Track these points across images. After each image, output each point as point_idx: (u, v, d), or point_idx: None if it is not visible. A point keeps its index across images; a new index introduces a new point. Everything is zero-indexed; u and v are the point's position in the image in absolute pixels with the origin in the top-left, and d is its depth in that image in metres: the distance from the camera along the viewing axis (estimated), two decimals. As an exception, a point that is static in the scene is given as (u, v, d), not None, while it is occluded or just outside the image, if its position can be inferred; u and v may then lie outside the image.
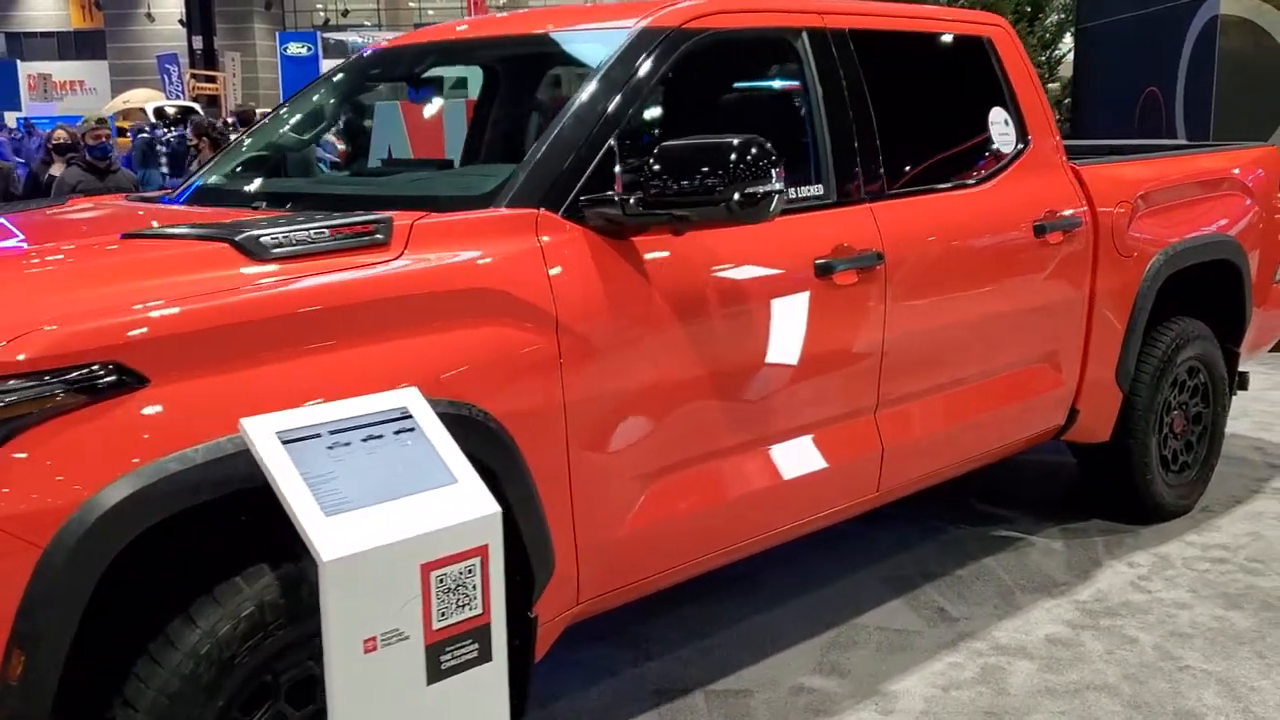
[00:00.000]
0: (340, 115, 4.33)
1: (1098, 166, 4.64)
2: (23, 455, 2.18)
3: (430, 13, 45.23)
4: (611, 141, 3.09)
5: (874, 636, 4.02)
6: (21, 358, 2.19)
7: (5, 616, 2.16)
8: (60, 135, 9.68)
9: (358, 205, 3.08)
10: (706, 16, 3.47)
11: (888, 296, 3.67)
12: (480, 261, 2.79)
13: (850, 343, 3.62)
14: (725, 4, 3.54)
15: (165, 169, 13.72)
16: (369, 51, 4.17)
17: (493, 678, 2.41)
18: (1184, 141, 7.78)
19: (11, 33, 50.00)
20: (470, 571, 2.33)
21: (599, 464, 3.01)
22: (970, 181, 4.13)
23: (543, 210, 2.98)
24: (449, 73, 4.85)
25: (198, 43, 35.64)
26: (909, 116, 4.02)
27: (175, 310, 2.36)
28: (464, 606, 2.33)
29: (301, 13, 47.32)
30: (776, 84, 3.87)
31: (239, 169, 4.01)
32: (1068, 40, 12.09)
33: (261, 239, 2.57)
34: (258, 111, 20.99)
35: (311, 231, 2.64)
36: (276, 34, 42.92)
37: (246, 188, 3.73)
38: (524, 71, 4.17)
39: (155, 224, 3.11)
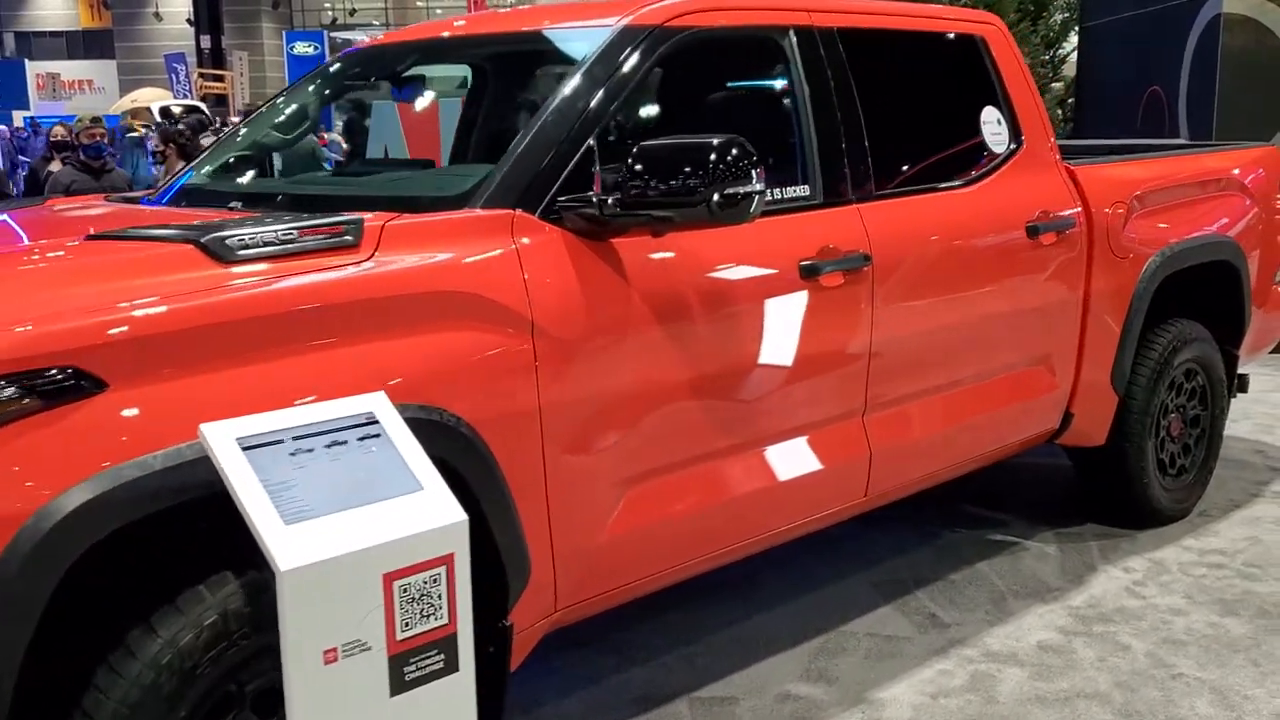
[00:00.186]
0: (322, 114, 4.27)
1: (1093, 166, 4.58)
2: (-24, 461, 2.14)
3: (439, 12, 45.20)
4: (591, 141, 3.04)
5: (863, 643, 3.96)
6: (-25, 362, 2.15)
7: (-43, 625, 2.12)
8: (59, 132, 9.64)
9: (334, 206, 3.03)
10: (690, 14, 3.42)
11: (875, 298, 3.61)
12: (452, 263, 2.75)
13: (836, 345, 3.57)
14: (709, 2, 3.49)
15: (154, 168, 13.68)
16: (351, 51, 4.13)
17: (460, 689, 2.36)
18: (1183, 141, 7.71)
19: (20, 32, 50.10)
20: (435, 581, 2.28)
21: (577, 469, 2.96)
22: (961, 182, 4.07)
23: (519, 211, 2.93)
24: (437, 72, 4.81)
25: (205, 42, 35.69)
26: (899, 116, 3.96)
27: (135, 313, 2.31)
28: (429, 616, 2.28)
29: (309, 12, 47.31)
30: (762, 83, 3.81)
31: (221, 169, 3.96)
32: (1073, 39, 11.99)
33: (227, 241, 2.53)
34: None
35: (279, 233, 2.59)
36: (283, 33, 42.92)
37: (226, 188, 3.68)
38: (506, 70, 4.12)
39: (128, 225, 3.06)
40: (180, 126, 9.65)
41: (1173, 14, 8.67)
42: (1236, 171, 5.24)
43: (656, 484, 3.20)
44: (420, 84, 4.03)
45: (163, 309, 2.34)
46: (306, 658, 2.13)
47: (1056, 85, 12.43)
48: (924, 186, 3.95)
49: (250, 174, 3.95)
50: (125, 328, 2.29)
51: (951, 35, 4.24)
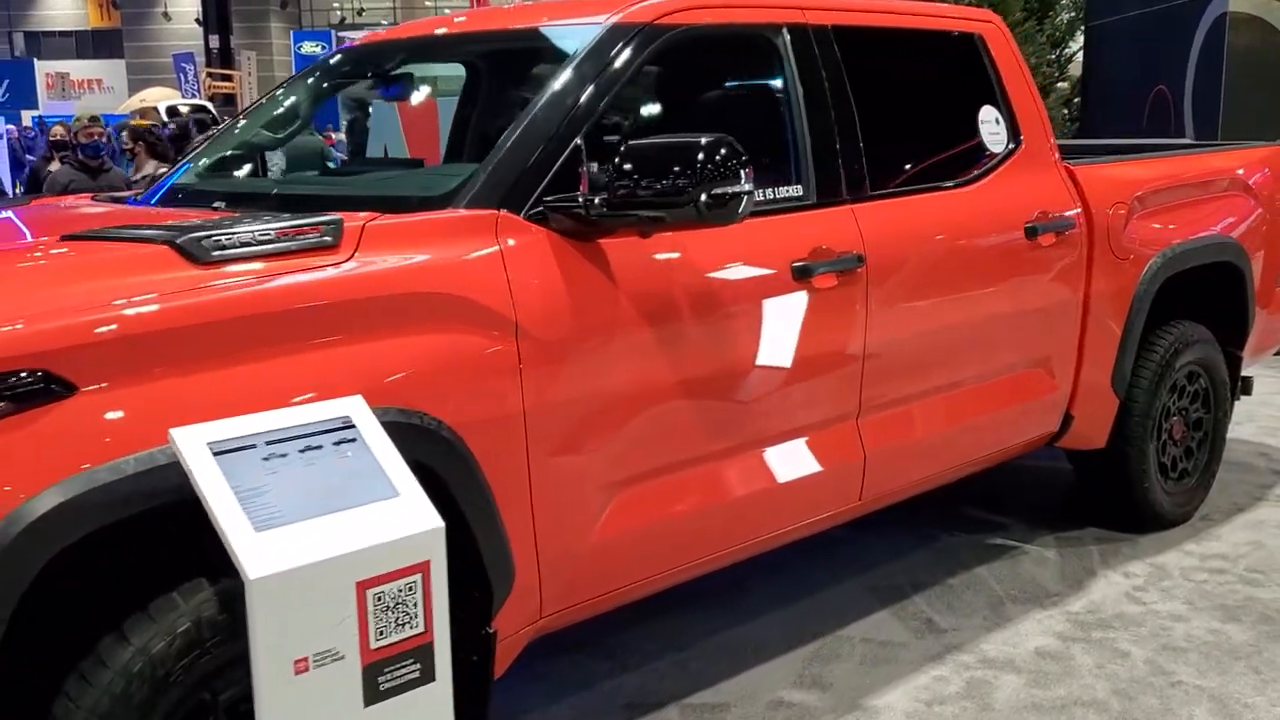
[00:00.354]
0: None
1: (1093, 166, 4.53)
2: (-57, 466, 2.10)
3: (446, 11, 45.24)
4: (578, 141, 2.98)
5: (858, 648, 3.91)
6: (-59, 365, 2.11)
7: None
8: (58, 132, 9.59)
9: (318, 206, 2.98)
10: (680, 12, 3.37)
11: (869, 300, 3.56)
12: (433, 264, 2.70)
13: (829, 347, 3.51)
14: (701, -1, 3.44)
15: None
16: (343, 49, 4.09)
17: (437, 698, 2.32)
18: (1187, 140, 7.64)
19: (30, 32, 50.22)
20: (411, 589, 2.24)
21: (562, 473, 2.92)
22: (958, 182, 4.02)
23: (503, 211, 2.88)
24: (438, 71, 4.78)
25: (214, 42, 35.69)
26: (895, 115, 3.91)
27: (106, 315, 2.27)
28: (404, 625, 2.24)
29: (318, 11, 47.39)
30: (754, 82, 3.76)
31: (212, 168, 3.92)
32: (1079, 38, 11.93)
33: (202, 242, 2.48)
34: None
35: (256, 234, 2.55)
36: (291, 33, 42.96)
37: (214, 187, 3.64)
38: (497, 68, 4.08)
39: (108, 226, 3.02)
40: (152, 126, 9.58)
41: (1178, 13, 8.60)
42: (1241, 171, 5.18)
43: (645, 488, 3.15)
44: (410, 83, 3.99)
45: (135, 311, 2.30)
46: (277, 667, 2.09)
47: (1062, 84, 12.37)
48: (920, 186, 3.90)
49: (239, 173, 3.91)
50: (96, 330, 2.25)
51: (949, 33, 4.19)
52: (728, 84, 3.81)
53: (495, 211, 2.87)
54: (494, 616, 2.81)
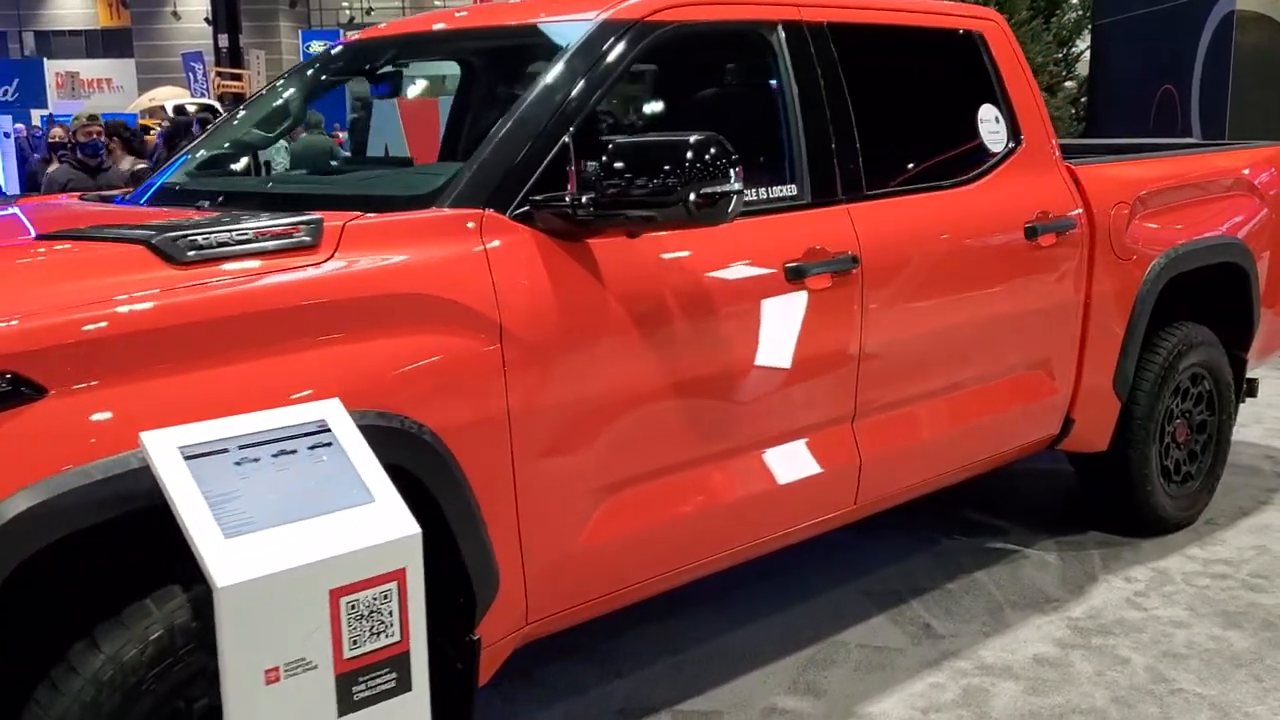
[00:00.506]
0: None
1: (1095, 166, 4.47)
2: (-90, 469, 2.06)
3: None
4: (566, 139, 2.93)
5: (854, 654, 3.86)
6: (-92, 367, 2.07)
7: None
8: (57, 134, 9.55)
9: (302, 205, 2.94)
10: (673, 9, 3.32)
11: (864, 301, 3.51)
12: (414, 265, 2.65)
13: (823, 349, 3.46)
14: (693, -5, 3.38)
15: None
16: (333, 46, 4.04)
17: (414, 709, 2.26)
18: (1191, 140, 7.58)
19: (40, 31, 50.33)
20: (386, 597, 2.19)
21: (548, 478, 2.87)
22: (957, 181, 3.95)
23: (488, 211, 2.83)
24: (438, 69, 4.74)
25: (223, 41, 35.72)
26: (892, 114, 3.86)
27: (77, 316, 2.22)
28: (379, 634, 2.19)
29: (326, 10, 47.44)
30: (748, 80, 3.71)
31: (202, 166, 3.88)
32: (1087, 37, 11.86)
33: (178, 241, 2.44)
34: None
35: (234, 233, 2.50)
36: (300, 32, 43.00)
37: (202, 186, 3.59)
38: (488, 66, 4.03)
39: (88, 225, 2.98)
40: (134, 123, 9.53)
41: (1185, 11, 8.53)
42: (1246, 171, 5.12)
43: (633, 493, 3.10)
44: (399, 81, 3.94)
45: (107, 312, 2.25)
46: (246, 677, 2.04)
47: (1070, 83, 12.28)
48: (917, 186, 3.84)
49: (228, 172, 3.86)
50: (67, 332, 2.20)
51: (948, 31, 4.13)
52: (721, 82, 3.76)
53: (480, 211, 2.82)
54: (478, 623, 2.76)
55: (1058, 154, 4.31)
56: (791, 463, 3.47)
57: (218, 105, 26.65)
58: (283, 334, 2.43)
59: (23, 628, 2.27)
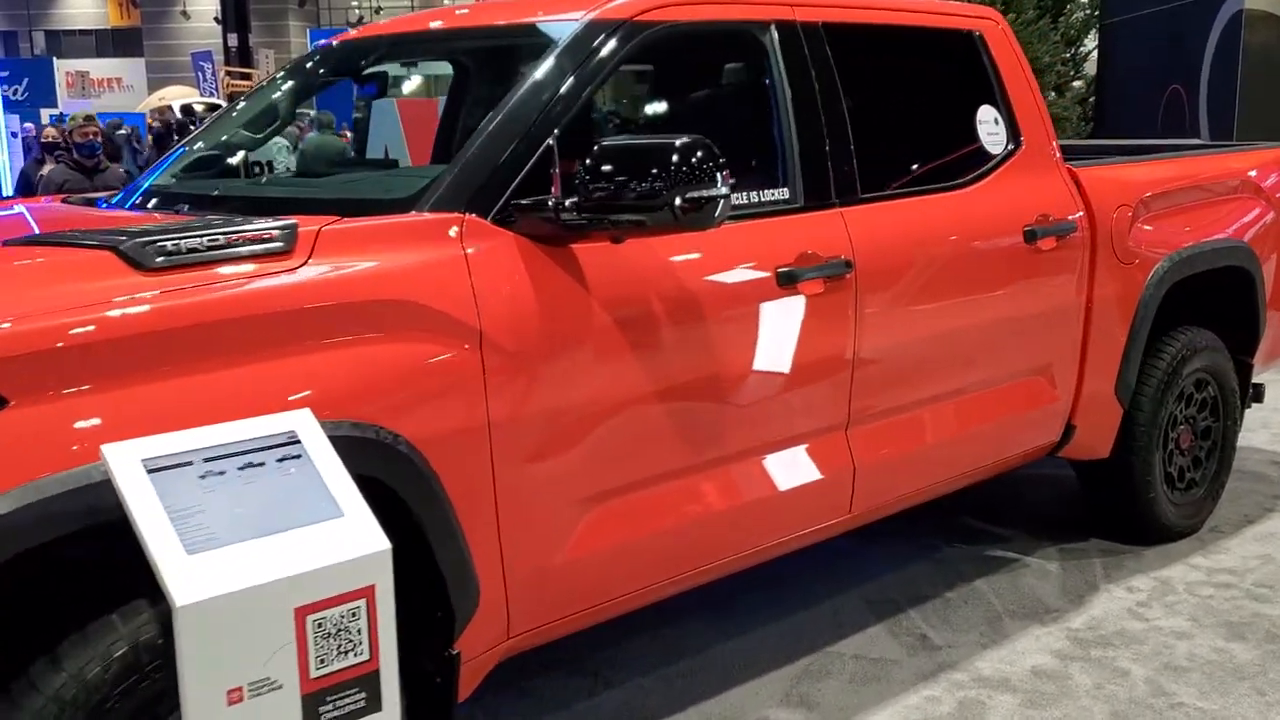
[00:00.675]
0: (295, 111, 4.13)
1: (1097, 168, 4.39)
2: None
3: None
4: (550, 141, 2.87)
5: (849, 665, 3.79)
6: None
7: None
8: (51, 134, 9.47)
9: (283, 208, 2.88)
10: (663, 8, 3.25)
11: (858, 307, 3.44)
12: (392, 270, 2.59)
13: (816, 356, 3.38)
14: (683, -5, 3.32)
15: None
16: (322, 46, 3.98)
17: (385, 728, 2.20)
18: (1196, 141, 7.48)
19: (50, 30, 50.42)
20: (354, 615, 2.13)
21: (531, 489, 2.80)
22: (954, 184, 3.88)
23: (469, 215, 2.77)
24: (429, 69, 4.68)
25: (233, 40, 35.71)
26: (888, 115, 3.79)
27: (41, 325, 2.16)
28: (348, 653, 2.12)
29: (336, 10, 47.41)
30: (740, 81, 3.64)
31: (189, 169, 3.82)
32: (1094, 37, 11.77)
33: (147, 247, 2.38)
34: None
35: (205, 239, 2.44)
36: (309, 31, 43.01)
37: (185, 189, 3.54)
38: (475, 66, 3.97)
39: (63, 229, 2.92)
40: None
41: (1193, 10, 8.44)
42: (1253, 173, 5.03)
43: (620, 503, 3.04)
44: (386, 81, 3.88)
45: (72, 320, 2.19)
46: (207, 698, 1.98)
47: (1078, 83, 12.19)
48: (913, 189, 3.77)
49: (214, 174, 3.80)
50: (29, 340, 2.14)
51: (946, 30, 4.05)
52: (712, 83, 3.69)
53: (460, 215, 2.76)
54: (457, 637, 2.70)
55: (1058, 156, 4.23)
56: (783, 471, 3.40)
57: (225, 105, 26.59)
58: (254, 342, 2.36)
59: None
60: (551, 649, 3.31)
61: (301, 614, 2.06)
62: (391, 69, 3.92)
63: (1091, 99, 11.78)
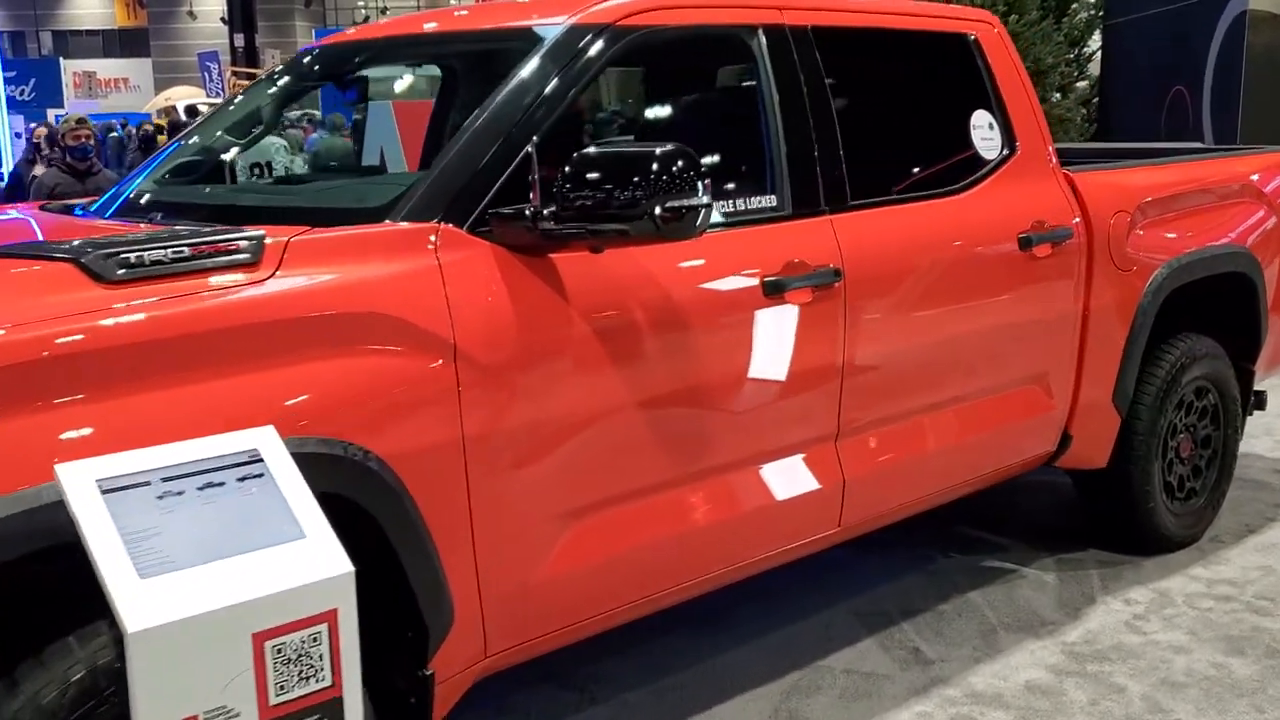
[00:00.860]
0: (279, 116, 4.07)
1: (1094, 173, 4.32)
2: None
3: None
4: (530, 149, 2.80)
5: (839, 680, 3.72)
6: None
7: None
8: (42, 133, 9.38)
9: (256, 218, 2.81)
10: (646, 12, 3.19)
11: (847, 316, 3.37)
12: (363, 282, 2.52)
13: (804, 366, 3.32)
14: (668, -1, 3.25)
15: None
16: (304, 50, 3.92)
17: (348, 755, 2.14)
18: (1196, 145, 7.40)
19: (58, 31, 50.50)
20: (315, 640, 2.06)
21: (508, 504, 2.74)
22: (947, 190, 3.81)
23: (444, 225, 2.71)
24: (423, 73, 4.61)
25: (239, 40, 35.71)
26: (880, 121, 3.73)
27: (-6, 340, 2.11)
28: (309, 679, 2.06)
29: (342, 10, 47.41)
30: (727, 86, 3.57)
31: (168, 175, 3.76)
32: (1099, 38, 11.68)
33: (109, 259, 2.31)
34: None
35: (169, 251, 2.38)
36: (314, 31, 43.02)
37: (162, 197, 3.48)
38: (457, 72, 3.91)
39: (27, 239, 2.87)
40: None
41: (1197, 11, 8.36)
42: (1254, 177, 4.96)
43: (603, 517, 2.97)
44: (367, 85, 3.82)
45: (27, 335, 2.13)
46: (161, 728, 1.92)
47: (1082, 84, 12.09)
48: (905, 196, 3.70)
49: (192, 181, 3.74)
50: (-17, 357, 2.09)
51: (939, 34, 3.98)
52: (697, 88, 3.63)
53: (435, 224, 2.70)
54: (431, 657, 2.64)
55: (1055, 161, 4.16)
56: (770, 484, 3.33)
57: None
58: (217, 357, 2.30)
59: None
60: (536, 663, 3.24)
61: (260, 639, 2.00)
62: (377, 73, 3.85)
63: (1095, 100, 11.70)
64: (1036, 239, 3.93)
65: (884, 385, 3.57)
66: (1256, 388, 5.09)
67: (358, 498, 2.42)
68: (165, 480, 2.08)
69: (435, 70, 4.06)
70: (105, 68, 47.01)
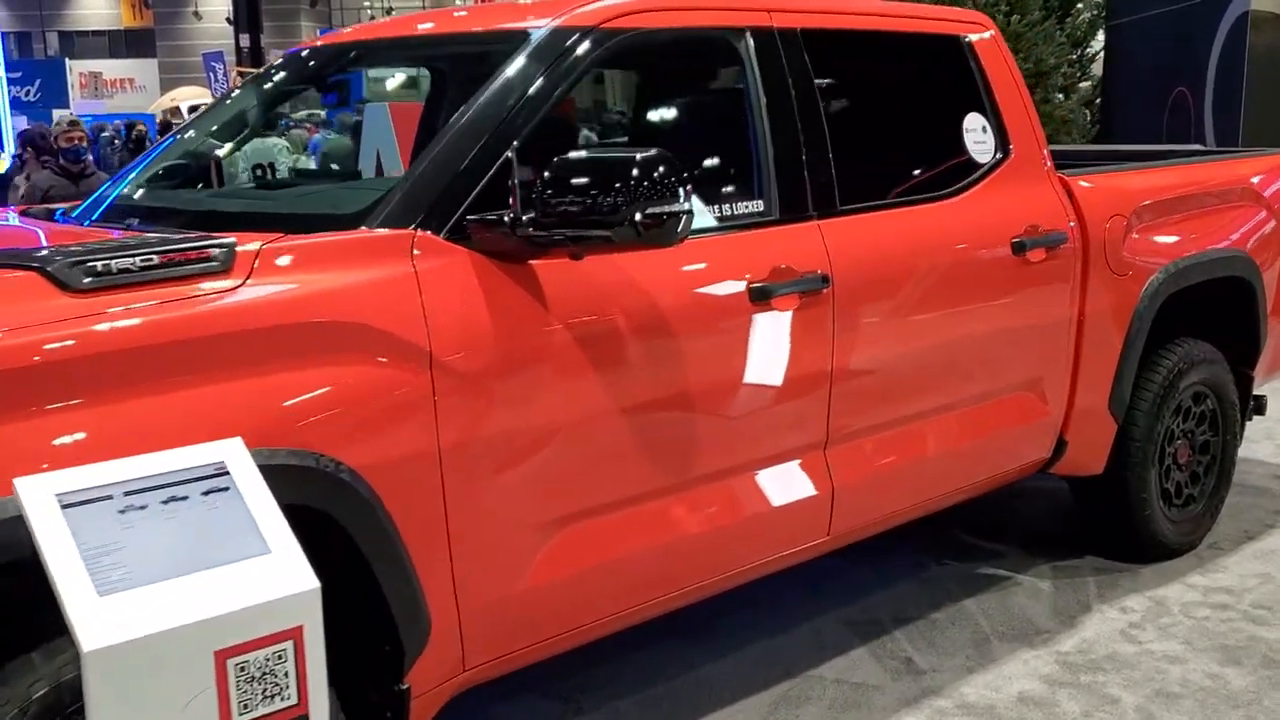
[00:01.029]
0: (263, 120, 4.02)
1: (1090, 176, 4.26)
2: None
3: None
4: (510, 154, 2.76)
5: (829, 691, 3.67)
6: None
7: None
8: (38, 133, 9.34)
9: (231, 224, 2.78)
10: (631, 15, 3.14)
11: (835, 322, 3.32)
12: (336, 290, 2.48)
13: (792, 374, 3.27)
14: (653, 1, 3.21)
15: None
16: (289, 53, 3.88)
17: (315, 774, 2.10)
18: (1195, 147, 7.34)
19: (64, 31, 50.54)
20: (281, 657, 2.02)
21: (486, 516, 2.69)
22: (939, 195, 3.76)
23: (420, 231, 2.66)
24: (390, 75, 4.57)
25: (244, 40, 35.70)
26: (870, 125, 3.68)
27: (-48, 352, 2.07)
28: (274, 697, 2.02)
29: (348, 10, 47.43)
30: (713, 90, 3.52)
31: (151, 179, 3.72)
32: (1101, 38, 11.61)
33: (75, 268, 2.27)
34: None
35: (138, 259, 2.33)
36: (320, 31, 43.00)
37: (140, 202, 3.44)
38: (442, 74, 3.86)
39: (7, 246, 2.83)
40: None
41: (1200, 11, 8.29)
42: (1255, 180, 4.90)
43: (586, 528, 2.93)
44: (348, 89, 3.77)
45: (-12, 346, 2.09)
46: (119, 749, 1.88)
47: (1085, 85, 12.02)
48: (896, 200, 3.66)
49: (174, 186, 3.70)
50: (-59, 368, 2.05)
51: (931, 36, 3.93)
52: (683, 92, 3.58)
53: (411, 231, 2.65)
54: (408, 671, 2.59)
55: (1049, 165, 4.10)
56: (757, 493, 3.29)
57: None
58: (185, 367, 2.26)
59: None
60: (520, 673, 3.19)
61: (222, 657, 1.96)
62: (366, 75, 3.80)
63: (1099, 100, 11.63)
64: (1030, 244, 3.88)
65: (874, 392, 3.52)
66: (1256, 392, 5.03)
67: (330, 510, 2.38)
68: (127, 494, 2.03)
69: (431, 72, 4.00)
70: (111, 68, 47.05)
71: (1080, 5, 11.79)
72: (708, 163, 3.33)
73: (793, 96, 3.39)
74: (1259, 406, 5.11)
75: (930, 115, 3.95)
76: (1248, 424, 5.04)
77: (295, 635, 2.03)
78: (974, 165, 3.87)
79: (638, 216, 2.60)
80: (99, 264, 2.30)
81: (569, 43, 3.03)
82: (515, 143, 2.80)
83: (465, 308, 2.64)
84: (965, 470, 3.93)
